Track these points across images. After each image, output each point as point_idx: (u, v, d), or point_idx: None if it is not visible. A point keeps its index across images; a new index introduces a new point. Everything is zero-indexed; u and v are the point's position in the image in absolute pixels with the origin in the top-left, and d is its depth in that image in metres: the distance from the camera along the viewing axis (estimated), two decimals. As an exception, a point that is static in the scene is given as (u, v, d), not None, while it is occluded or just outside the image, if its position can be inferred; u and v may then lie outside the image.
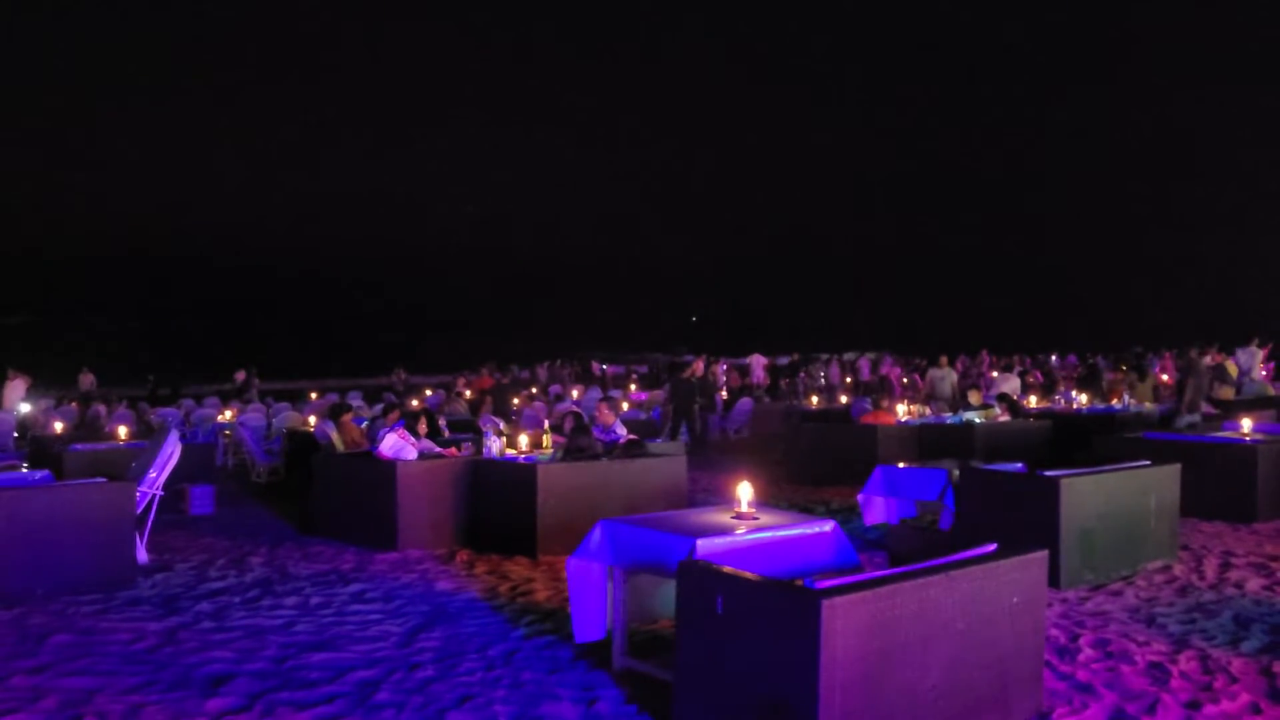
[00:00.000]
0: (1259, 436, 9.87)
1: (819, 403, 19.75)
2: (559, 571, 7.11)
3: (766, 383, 27.74)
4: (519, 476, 8.40)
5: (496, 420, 12.53)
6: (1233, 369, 21.04)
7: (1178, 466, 7.91)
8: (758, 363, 29.33)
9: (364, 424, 12.18)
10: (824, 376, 27.81)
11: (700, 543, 4.66)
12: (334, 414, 11.98)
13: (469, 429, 12.17)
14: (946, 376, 19.50)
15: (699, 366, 19.80)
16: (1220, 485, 9.28)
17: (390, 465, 8.60)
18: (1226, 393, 18.54)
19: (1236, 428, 10.54)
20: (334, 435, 11.27)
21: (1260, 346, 21.91)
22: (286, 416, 16.66)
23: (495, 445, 9.15)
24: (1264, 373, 21.15)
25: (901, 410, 14.00)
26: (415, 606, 6.64)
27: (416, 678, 5.16)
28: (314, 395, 22.53)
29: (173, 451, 8.48)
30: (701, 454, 15.11)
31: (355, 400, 20.62)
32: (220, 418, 17.62)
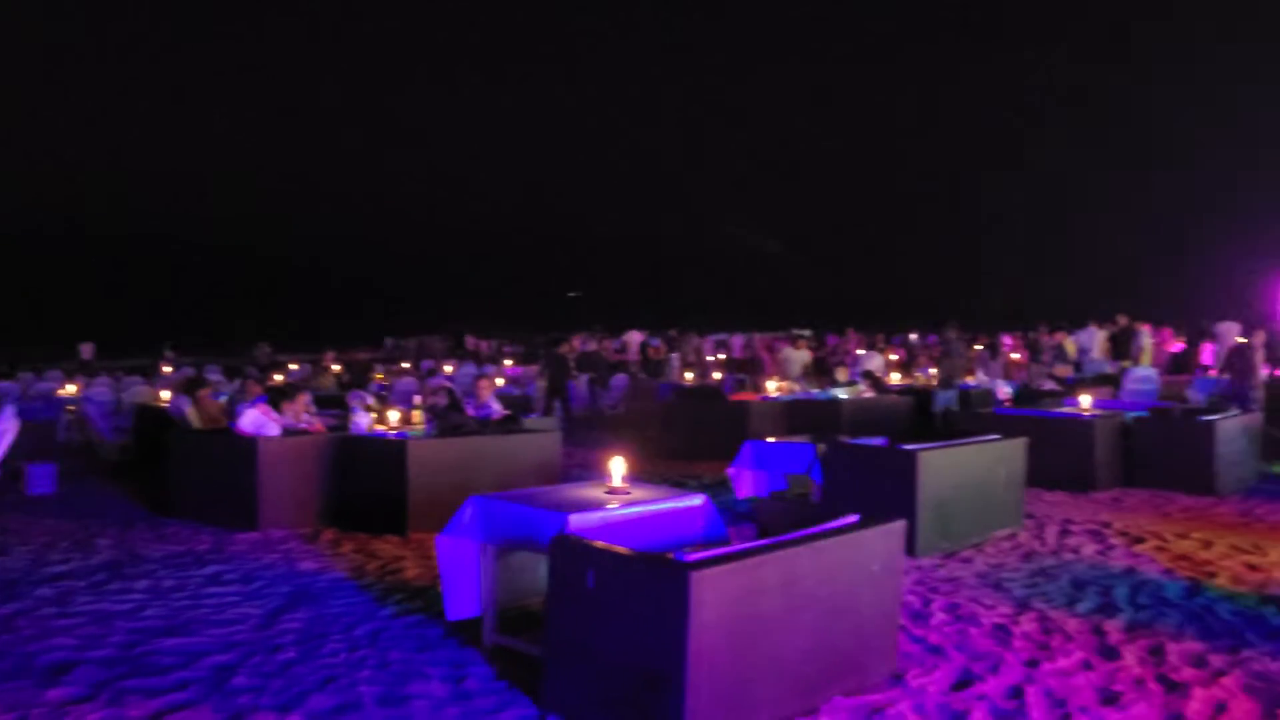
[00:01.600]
0: (1097, 412, 10.50)
1: (693, 379, 20.04)
2: (429, 549, 7.05)
3: (642, 359, 27.96)
4: (388, 453, 8.28)
5: (365, 395, 12.29)
6: (1072, 348, 22.25)
7: (1025, 440, 8.36)
8: (634, 340, 29.51)
9: (223, 399, 11.77)
10: (697, 353, 28.16)
11: (573, 518, 4.70)
12: (189, 389, 11.51)
13: (337, 405, 11.91)
14: (798, 358, 20.05)
15: (576, 342, 19.84)
16: (1062, 457, 9.84)
17: (250, 442, 8.34)
18: (1066, 371, 19.61)
19: (1077, 404, 11.18)
20: (190, 411, 10.86)
21: (1100, 327, 23.20)
22: (137, 391, 15.94)
23: (364, 421, 8.99)
24: (1100, 354, 22.35)
25: (772, 386, 14.33)
26: (276, 587, 6.49)
27: (277, 660, 5.05)
28: (167, 369, 21.55)
29: (7, 428, 8.02)
30: (576, 430, 15.16)
31: (213, 375, 19.87)
32: (62, 392, 16.70)
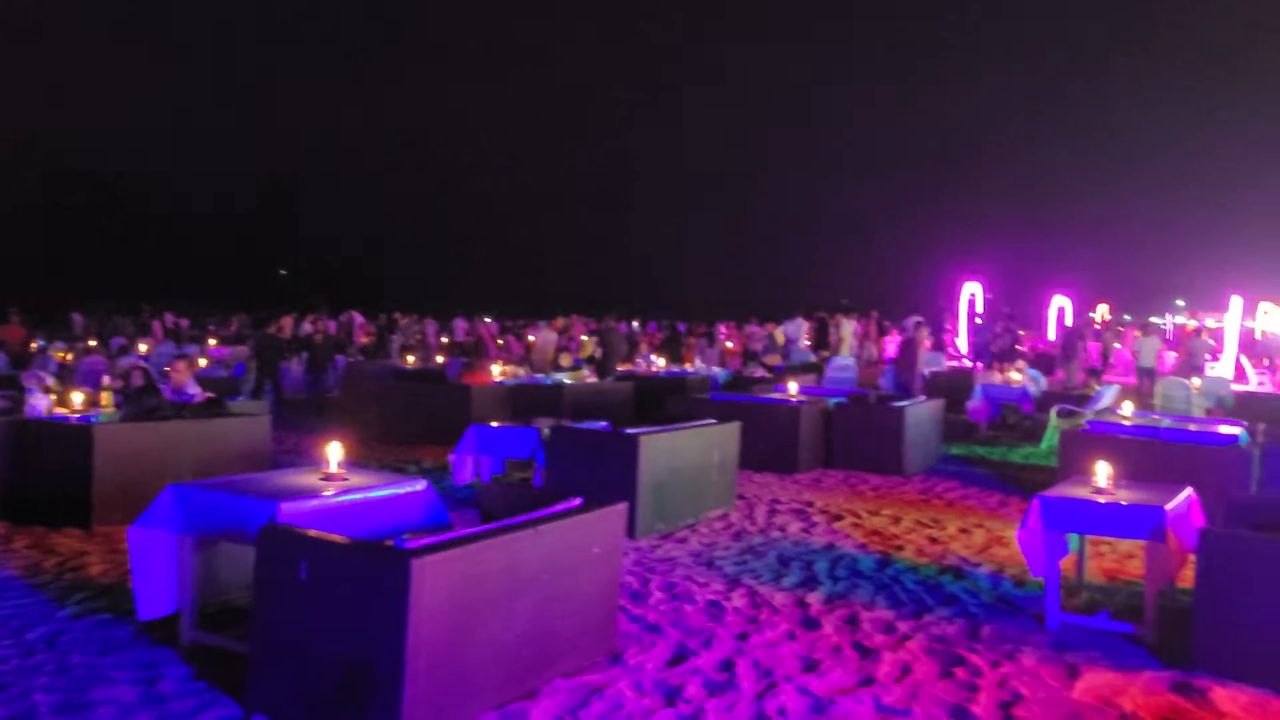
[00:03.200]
0: (802, 398, 11.20)
1: (414, 362, 19.57)
2: (118, 543, 6.44)
3: (363, 341, 27.02)
4: (71, 438, 7.49)
5: (42, 375, 11.08)
6: (780, 337, 23.69)
7: (738, 425, 8.76)
8: (353, 321, 28.47)
9: None
10: (420, 336, 27.57)
11: (284, 506, 4.43)
12: None
13: (8, 385, 10.65)
14: (553, 341, 20.19)
15: (287, 323, 18.85)
16: (770, 441, 10.42)
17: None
18: (775, 359, 20.83)
19: (785, 390, 11.87)
20: None
21: (806, 319, 24.85)
22: None
23: (42, 403, 8.09)
24: (807, 342, 23.97)
25: (496, 370, 14.24)
26: (-66, 590, 5.71)
27: (-67, 672, 4.44)
28: None
29: None
30: (289, 414, 14.40)
31: None
32: None
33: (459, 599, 3.88)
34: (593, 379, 14.55)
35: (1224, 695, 4.64)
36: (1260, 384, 19.12)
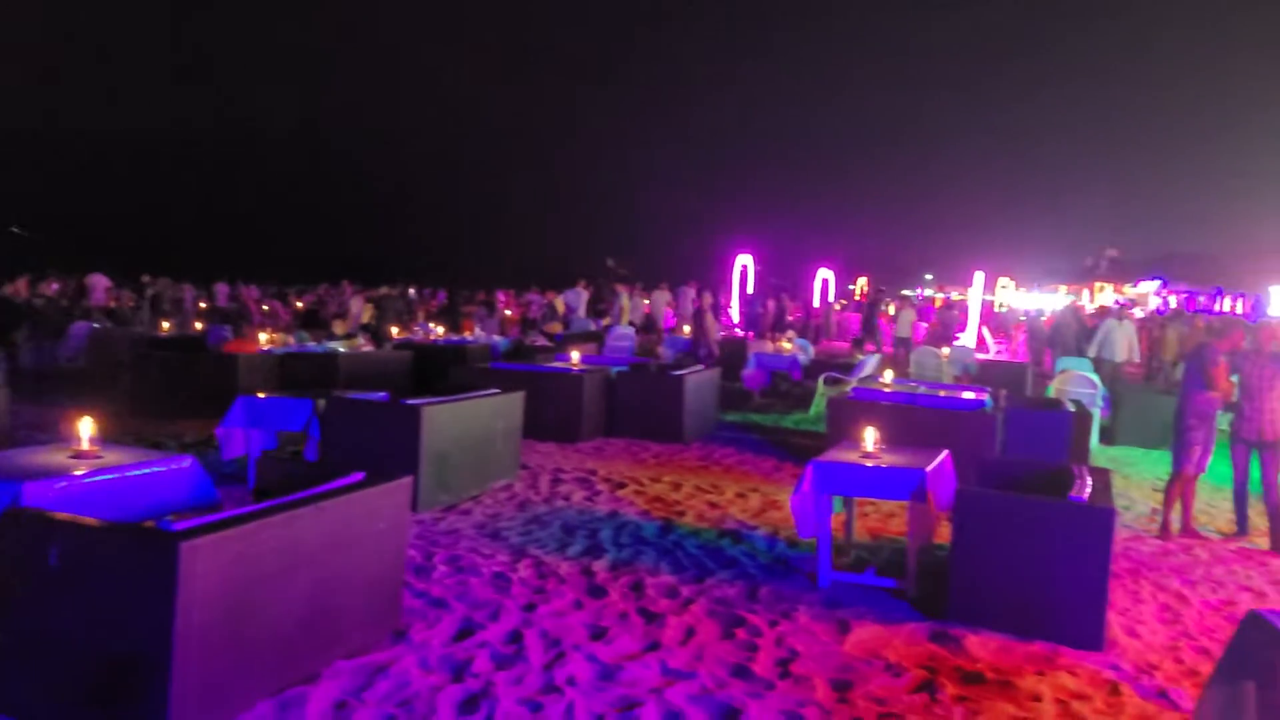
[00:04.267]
0: (584, 367, 11.26)
1: (170, 328, 18.29)
2: None
3: (108, 304, 24.94)
4: None
5: None
6: (560, 306, 23.76)
7: (521, 394, 8.70)
8: (99, 284, 26.23)
9: None
10: (175, 302, 25.78)
11: (28, 487, 4.01)
12: None
13: None
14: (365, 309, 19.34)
15: (22, 285, 17.17)
16: (553, 410, 10.42)
17: None
18: (556, 328, 20.88)
19: (567, 358, 11.90)
20: None
21: (585, 288, 25.00)
22: None
23: None
24: (583, 313, 24.13)
25: (264, 338, 13.52)
26: None
27: None
28: None
29: None
30: (23, 385, 13.12)
31: None
32: None
33: (233, 582, 3.65)
34: (369, 347, 14.08)
35: (976, 642, 5.03)
36: (999, 352, 20.86)
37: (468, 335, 17.70)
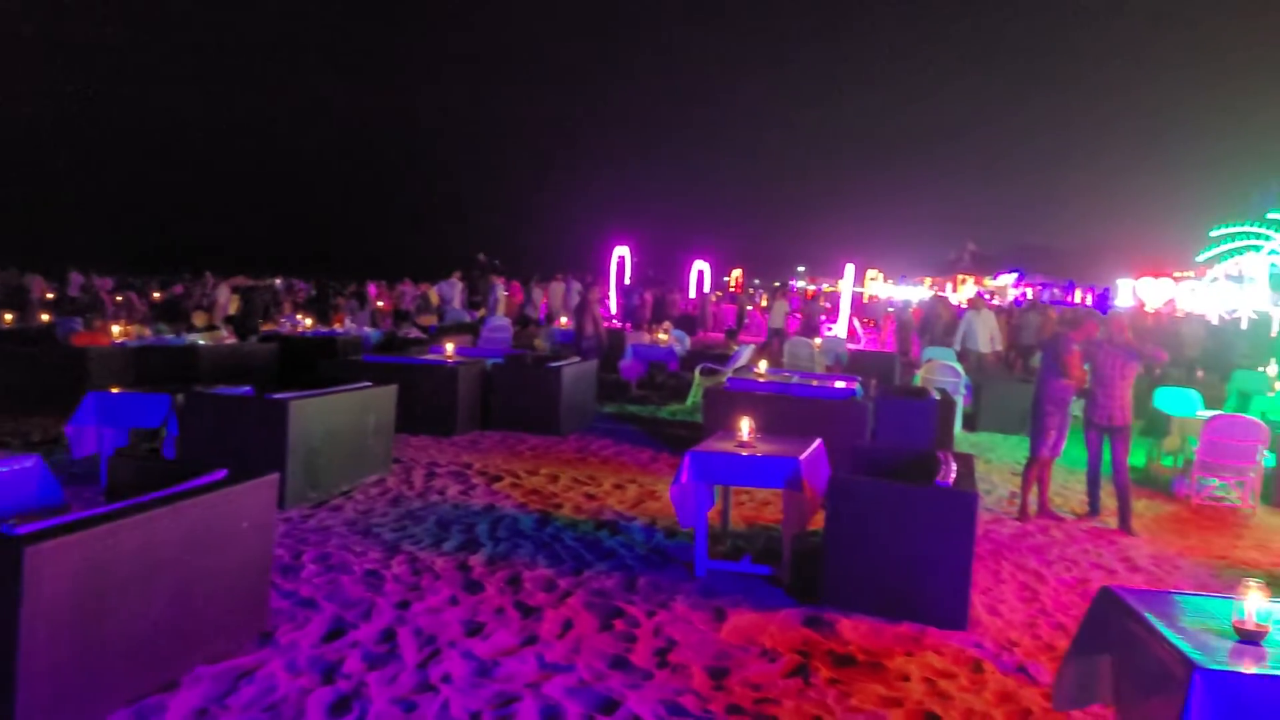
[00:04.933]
0: (459, 359, 11.08)
1: (13, 320, 17.24)
2: None
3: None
4: None
5: None
6: (434, 297, 23.39)
7: (394, 387, 8.50)
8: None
9: None
10: (19, 291, 24.32)
11: None
12: None
13: None
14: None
15: None
16: (428, 403, 10.23)
17: None
18: (430, 319, 20.54)
19: (442, 351, 11.70)
20: None
21: (461, 280, 24.65)
22: None
23: None
24: (459, 303, 23.82)
25: (117, 330, 12.87)
26: None
27: None
28: None
29: None
30: None
31: None
32: None
33: (84, 588, 3.44)
34: (232, 340, 13.56)
35: (848, 625, 5.14)
36: (868, 342, 21.45)
37: (338, 327, 17.23)
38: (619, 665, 4.52)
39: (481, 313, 21.82)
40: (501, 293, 23.18)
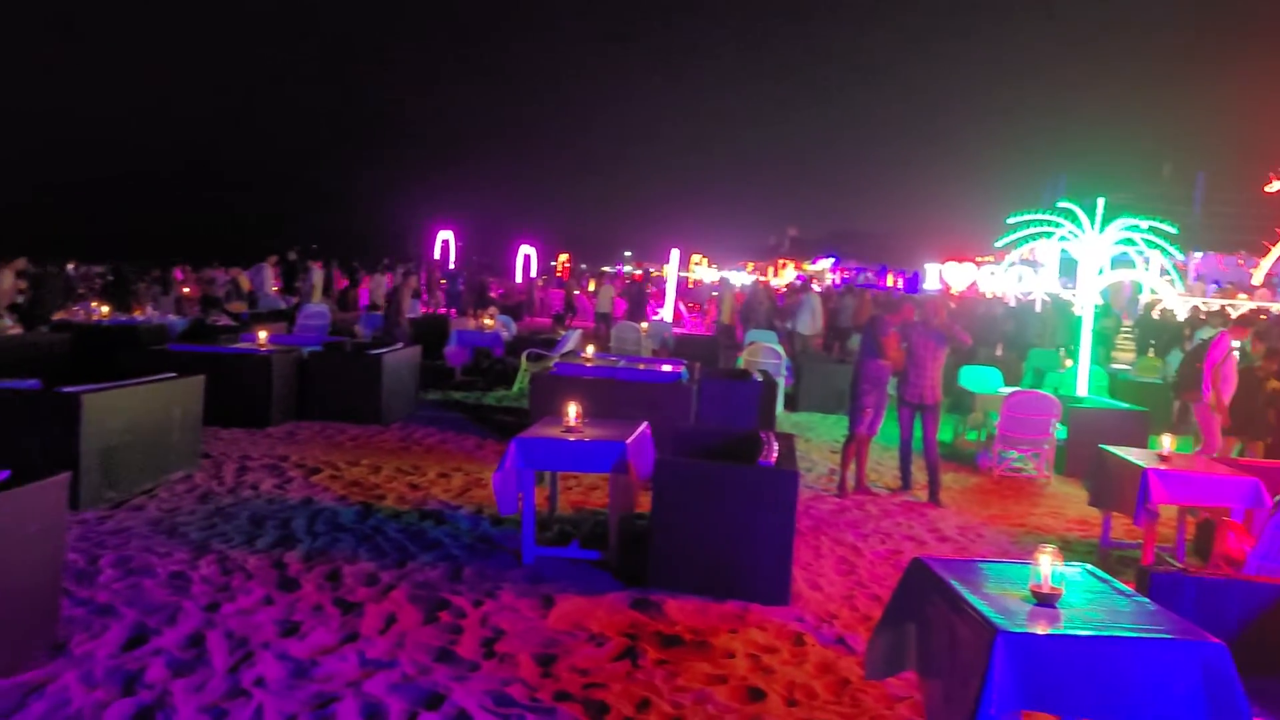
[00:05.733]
0: (273, 347, 10.60)
1: None
2: None
3: None
4: None
5: None
6: (245, 283, 22.34)
7: (202, 378, 8.04)
8: None
9: None
10: None
11: None
12: None
13: None
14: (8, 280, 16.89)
15: None
16: (240, 394, 9.74)
17: None
18: (241, 306, 19.62)
19: (254, 339, 11.16)
20: None
21: (274, 265, 23.60)
22: None
23: None
24: (276, 288, 22.82)
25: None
26: None
27: None
28: None
29: None
30: None
31: None
32: None
33: None
34: (17, 330, 12.55)
35: (674, 606, 5.19)
36: (693, 326, 21.82)
37: (139, 315, 16.19)
38: (444, 658, 4.41)
39: (297, 299, 20.95)
40: (318, 277, 22.33)
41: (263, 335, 11.12)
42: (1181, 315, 19.69)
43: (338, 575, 5.44)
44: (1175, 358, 13.47)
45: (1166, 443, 6.71)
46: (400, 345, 11.85)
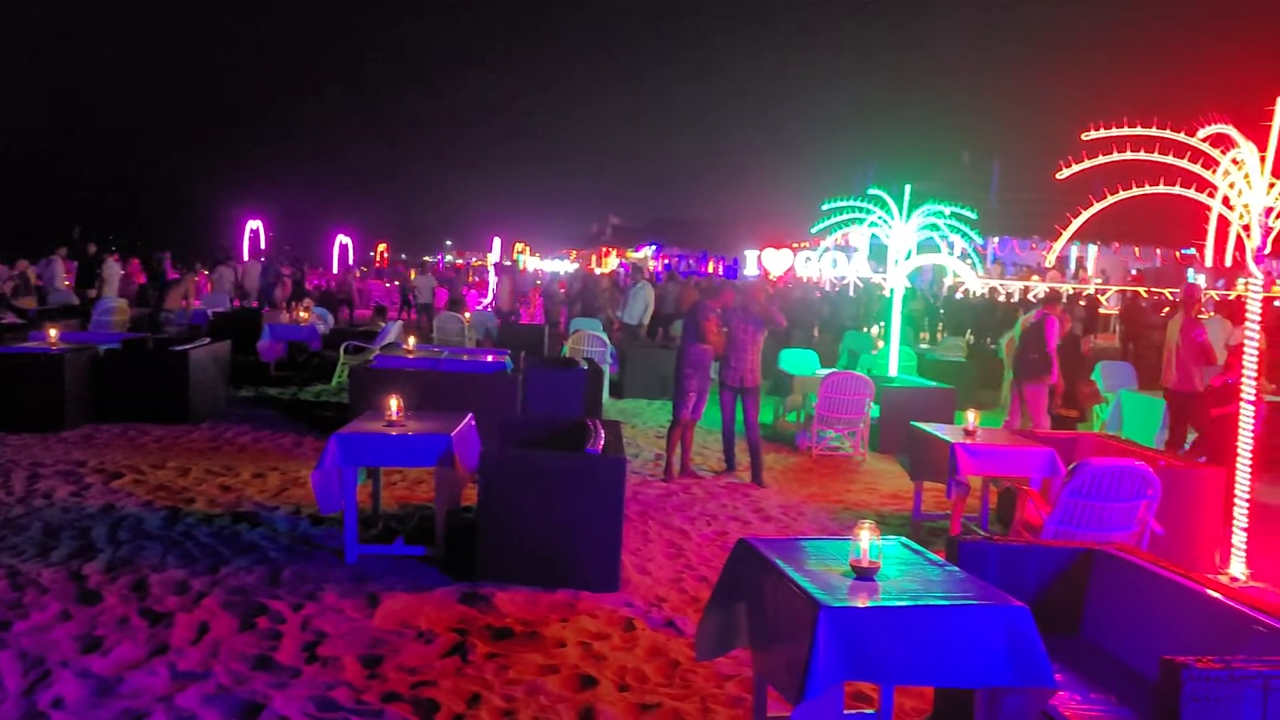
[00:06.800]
0: (65, 346, 9.88)
1: None
2: None
3: None
4: None
5: None
6: (33, 277, 20.79)
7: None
8: None
9: None
10: None
11: None
12: None
13: None
14: None
15: None
16: (28, 396, 9.07)
17: None
18: (30, 303, 18.25)
19: (44, 337, 10.37)
20: None
21: (64, 258, 22.01)
22: None
23: None
24: (68, 283, 21.30)
25: None
26: None
27: None
28: None
29: None
30: None
31: None
32: None
33: None
34: None
35: (505, 598, 5.14)
36: (519, 316, 21.67)
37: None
38: (263, 665, 4.22)
39: (93, 294, 19.59)
40: (114, 270, 20.94)
41: (54, 333, 10.35)
42: (981, 296, 20.90)
43: (144, 585, 5.12)
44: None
45: (971, 418, 7.12)
46: (207, 340, 11.25)
